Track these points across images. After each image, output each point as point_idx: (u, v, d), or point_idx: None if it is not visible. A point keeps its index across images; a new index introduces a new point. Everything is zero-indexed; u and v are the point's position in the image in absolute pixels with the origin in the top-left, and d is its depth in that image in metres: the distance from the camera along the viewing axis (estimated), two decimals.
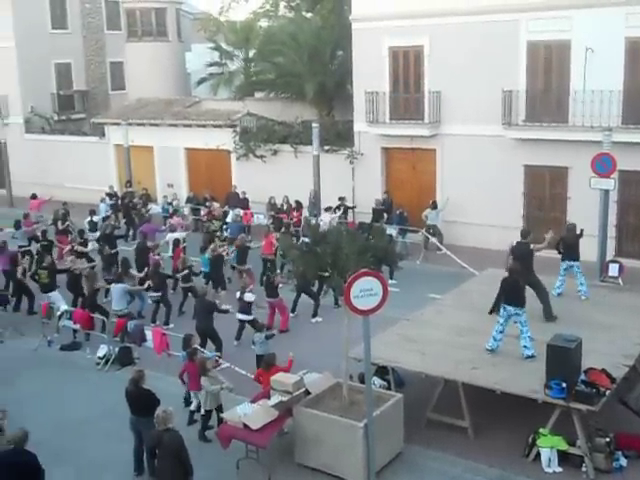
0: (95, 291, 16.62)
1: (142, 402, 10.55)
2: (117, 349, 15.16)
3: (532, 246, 14.17)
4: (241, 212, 23.69)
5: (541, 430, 10.82)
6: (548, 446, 10.66)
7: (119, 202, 26.11)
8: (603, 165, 17.37)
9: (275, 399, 10.95)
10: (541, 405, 10.77)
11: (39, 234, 21.27)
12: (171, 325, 16.59)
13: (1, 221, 23.53)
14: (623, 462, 10.63)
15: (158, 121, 29.07)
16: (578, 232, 15.17)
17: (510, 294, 12.25)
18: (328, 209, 22.34)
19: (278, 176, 25.69)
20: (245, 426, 10.66)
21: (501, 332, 12.23)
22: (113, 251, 19.87)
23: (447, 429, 11.64)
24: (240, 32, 34.67)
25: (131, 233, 24.27)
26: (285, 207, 23.78)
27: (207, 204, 24.68)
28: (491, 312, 12.78)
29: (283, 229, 20.63)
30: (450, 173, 22.79)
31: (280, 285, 16.19)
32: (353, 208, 23.91)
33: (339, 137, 25.33)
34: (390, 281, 16.26)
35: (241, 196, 25.26)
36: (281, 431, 11.39)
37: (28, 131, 33.86)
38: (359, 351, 10.93)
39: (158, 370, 13.70)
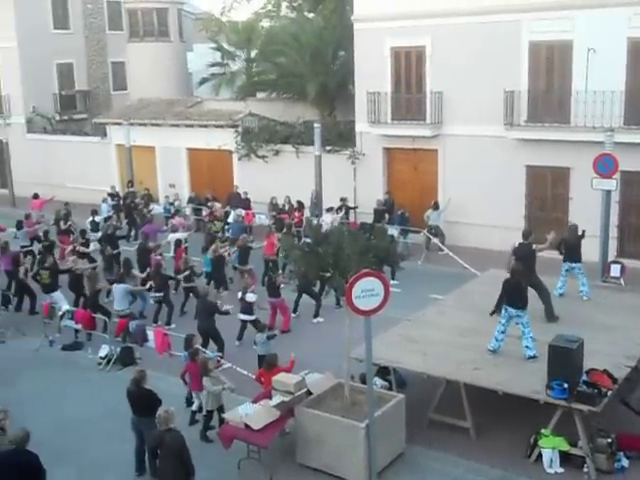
0: (97, 292, 16.63)
1: (144, 402, 10.55)
2: (119, 349, 15.16)
3: (534, 246, 14.16)
4: (243, 212, 23.69)
5: (543, 431, 10.81)
6: (550, 447, 10.66)
7: (121, 202, 26.12)
8: (605, 166, 17.36)
9: (277, 399, 10.96)
10: (543, 406, 10.77)
11: (41, 234, 21.28)
12: (173, 325, 16.60)
13: (3, 221, 23.54)
14: (625, 463, 10.62)
15: (160, 121, 29.08)
16: (580, 233, 15.15)
17: (512, 295, 12.24)
18: (330, 210, 22.34)
19: (280, 176, 25.69)
20: (247, 426, 10.66)
21: (503, 332, 12.23)
22: (115, 251, 19.89)
23: (449, 430, 11.63)
24: (242, 32, 34.68)
25: (133, 233, 24.28)
26: (287, 207, 23.78)
27: (209, 204, 24.69)
28: (492, 313, 12.77)
29: (285, 230, 20.62)
30: (452, 174, 22.78)
31: (282, 285, 16.21)
32: (355, 208, 23.91)
33: (341, 137, 25.33)
34: (392, 281, 16.28)
35: (243, 196, 25.25)
36: (283, 431, 11.39)
37: (30, 131, 33.90)
38: (361, 351, 10.93)
39: (160, 370, 13.70)
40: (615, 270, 17.22)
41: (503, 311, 12.32)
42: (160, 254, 18.66)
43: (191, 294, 17.50)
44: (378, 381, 12.43)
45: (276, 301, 16.39)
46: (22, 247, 20.74)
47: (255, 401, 11.33)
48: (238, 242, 19.36)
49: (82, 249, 19.70)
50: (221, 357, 14.22)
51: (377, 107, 23.21)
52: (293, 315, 17.14)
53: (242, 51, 34.90)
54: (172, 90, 34.24)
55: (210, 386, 11.56)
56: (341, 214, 22.41)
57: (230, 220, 23.16)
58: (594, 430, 10.78)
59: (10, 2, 32.76)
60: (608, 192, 17.64)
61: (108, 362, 15.03)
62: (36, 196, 25.90)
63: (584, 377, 10.73)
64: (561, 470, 10.60)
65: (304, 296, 17.07)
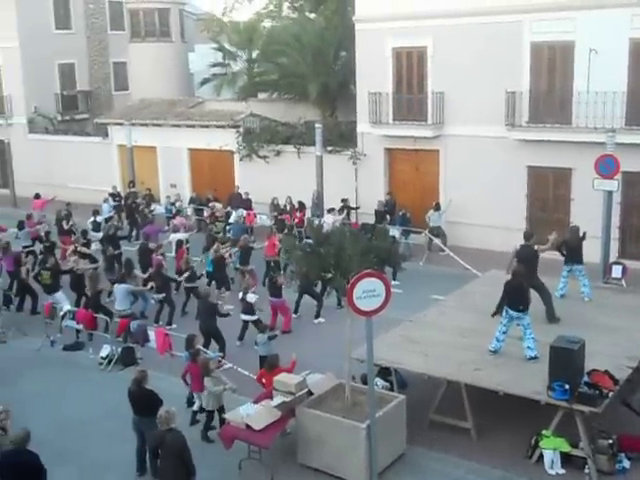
0: (98, 292, 16.63)
1: (145, 402, 10.56)
2: (120, 349, 15.17)
3: (536, 247, 14.16)
4: (244, 213, 23.70)
5: (544, 432, 10.81)
6: (551, 448, 10.65)
7: (122, 202, 26.14)
8: (606, 166, 17.33)
9: (278, 400, 10.96)
10: (544, 407, 10.77)
11: (42, 234, 21.28)
12: (174, 325, 16.60)
13: (4, 221, 23.55)
14: (626, 464, 10.61)
15: (161, 121, 29.10)
16: (581, 235, 15.14)
17: (513, 297, 12.22)
18: (331, 210, 22.34)
19: (281, 177, 25.69)
20: (248, 427, 10.67)
21: (504, 333, 12.22)
22: (116, 252, 19.91)
23: (450, 430, 11.63)
24: (243, 33, 34.69)
25: (134, 233, 24.29)
26: (288, 208, 23.78)
27: (210, 205, 24.70)
28: (494, 315, 12.76)
29: (286, 230, 20.62)
30: (453, 174, 22.78)
31: (286, 285, 16.16)
32: (356, 209, 23.91)
33: (342, 138, 25.33)
34: (393, 282, 16.29)
35: (244, 197, 25.25)
36: (284, 432, 11.38)
37: (31, 131, 33.92)
38: (362, 352, 10.93)
39: (161, 370, 13.69)
40: (616, 271, 17.23)
41: (504, 312, 12.31)
42: (162, 254, 18.66)
43: (192, 294, 17.50)
44: (379, 382, 12.42)
45: (277, 301, 16.38)
46: (24, 247, 20.75)
47: (256, 401, 11.33)
48: (239, 243, 19.36)
49: (83, 250, 19.70)
50: (222, 357, 14.22)
51: (378, 107, 23.21)
52: (294, 316, 17.13)
53: (243, 51, 34.90)
54: (173, 90, 34.26)
55: (211, 386, 11.56)
56: (342, 216, 22.41)
57: (231, 220, 23.17)
58: (595, 431, 10.77)
59: (12, 2, 32.78)
60: (610, 193, 17.63)
61: (109, 362, 15.03)
62: (38, 196, 25.93)
63: (585, 378, 10.73)
64: (562, 471, 10.59)
65: (305, 296, 17.06)
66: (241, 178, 27.24)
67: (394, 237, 18.70)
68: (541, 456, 10.74)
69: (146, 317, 17.06)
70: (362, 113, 23.85)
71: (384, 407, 10.74)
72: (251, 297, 15.50)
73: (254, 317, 15.48)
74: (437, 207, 22.15)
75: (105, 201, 25.91)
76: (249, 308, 15.53)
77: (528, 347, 11.96)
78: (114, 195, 26.76)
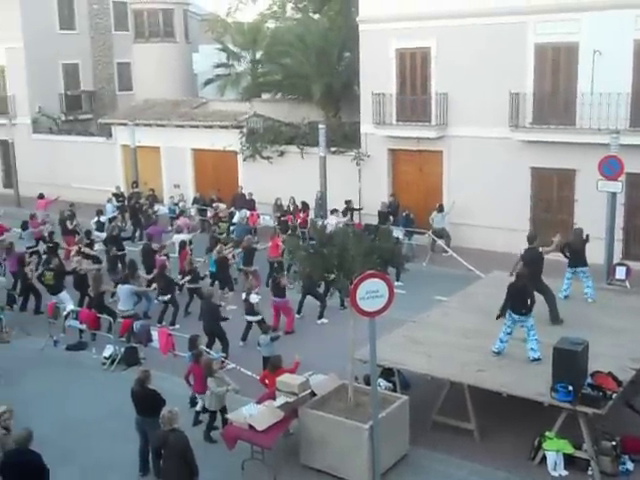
0: (101, 293, 16.63)
1: (148, 402, 10.56)
2: (123, 349, 15.18)
3: (540, 249, 14.14)
4: (247, 213, 23.70)
5: (547, 433, 10.79)
6: (554, 449, 10.64)
7: (125, 203, 26.15)
8: (610, 168, 17.33)
9: (281, 400, 10.96)
10: (547, 408, 10.75)
11: (46, 235, 21.31)
12: (177, 325, 16.61)
13: (8, 221, 23.59)
14: (629, 466, 10.59)
15: (165, 122, 29.14)
16: (584, 237, 15.10)
17: (517, 300, 12.19)
18: (334, 211, 22.33)
19: (284, 177, 25.70)
20: (250, 427, 10.66)
21: (508, 334, 12.21)
22: (120, 253, 19.93)
23: (453, 431, 11.62)
24: (247, 33, 34.72)
25: (137, 234, 24.30)
26: (291, 208, 23.78)
27: (213, 205, 24.70)
28: (499, 317, 12.75)
29: (290, 231, 20.61)
30: (457, 175, 22.76)
31: (290, 286, 16.15)
32: (360, 210, 23.90)
33: (346, 138, 25.32)
34: (396, 283, 16.25)
35: (247, 197, 25.27)
36: (286, 432, 11.39)
37: (35, 131, 33.99)
38: (365, 353, 10.93)
39: (164, 370, 13.70)
40: (620, 272, 17.17)
41: (508, 315, 12.29)
42: (166, 255, 18.67)
43: (195, 295, 17.50)
44: (382, 382, 12.41)
45: (280, 302, 16.38)
46: (27, 248, 20.73)
47: (259, 402, 11.33)
48: (243, 243, 19.35)
49: (87, 250, 19.71)
50: (225, 357, 14.22)
51: (382, 108, 23.20)
52: (297, 316, 17.13)
53: (247, 52, 34.93)
54: (177, 91, 34.28)
55: (215, 387, 11.56)
56: (347, 218, 22.38)
57: (235, 221, 23.17)
58: (599, 433, 10.75)
59: (16, 3, 32.88)
60: (613, 194, 17.61)
61: (112, 362, 15.05)
62: (41, 196, 25.98)
63: (589, 380, 10.71)
64: (565, 473, 10.57)
65: (309, 297, 17.05)
66: (245, 178, 27.26)
67: (397, 238, 18.70)
68: (544, 458, 10.72)
69: (149, 317, 17.08)
70: (366, 114, 23.84)
71: (387, 408, 10.73)
72: (254, 298, 15.50)
73: (258, 318, 15.48)
74: (440, 209, 22.12)
75: (109, 201, 25.95)
76: (252, 309, 15.54)
77: (531, 348, 11.94)
78: (117, 195, 26.80)
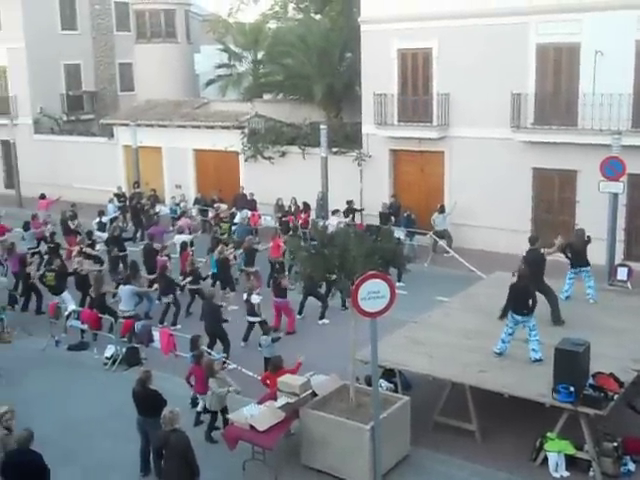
0: (102, 294, 16.63)
1: (149, 402, 10.56)
2: (124, 349, 15.18)
3: (542, 250, 14.13)
4: (249, 214, 23.70)
5: (548, 434, 10.78)
6: (555, 450, 10.63)
7: (127, 203, 26.16)
8: (612, 169, 17.32)
9: (282, 400, 10.96)
10: (549, 409, 10.75)
11: (48, 235, 21.31)
12: (178, 326, 16.61)
13: (10, 221, 23.59)
14: (631, 467, 10.59)
15: (167, 122, 29.15)
16: (586, 238, 15.09)
17: (519, 301, 12.18)
18: (336, 212, 22.33)
19: (286, 178, 25.70)
20: (252, 427, 10.66)
21: (510, 335, 12.19)
22: (122, 253, 19.93)
23: (454, 432, 11.61)
24: (249, 34, 34.70)
25: (139, 234, 24.30)
26: (293, 209, 23.77)
27: (215, 206, 24.69)
28: (501, 318, 12.75)
29: (291, 232, 20.61)
30: (458, 176, 22.74)
31: (291, 287, 16.14)
32: (361, 210, 23.90)
33: (347, 139, 25.32)
34: (398, 283, 16.24)
35: (249, 198, 25.27)
36: (287, 433, 11.38)
37: (37, 132, 34.03)
38: (366, 353, 10.92)
39: (165, 371, 13.71)
40: (622, 273, 17.17)
41: (509, 316, 12.28)
42: (167, 255, 18.67)
43: (196, 295, 17.50)
44: (383, 383, 12.40)
45: (281, 302, 16.38)
46: (29, 249, 20.69)
47: (260, 402, 11.33)
48: (244, 244, 19.36)
49: (89, 250, 19.72)
50: (226, 358, 14.22)
51: (384, 109, 23.20)
52: (298, 317, 17.13)
53: (249, 52, 34.91)
54: (179, 91, 34.30)
55: (216, 388, 11.56)
56: (348, 219, 22.37)
57: (236, 221, 23.17)
58: (600, 434, 10.74)
59: (18, 3, 32.92)
60: (615, 195, 17.61)
61: (114, 362, 15.05)
62: (43, 196, 25.98)
63: (590, 380, 10.70)
64: (567, 474, 10.56)
65: (310, 298, 17.05)
66: (246, 179, 27.27)
67: (399, 238, 18.70)
68: (546, 459, 10.72)
69: (151, 318, 17.08)
70: (367, 114, 23.84)
71: (388, 409, 10.72)
72: (255, 298, 15.51)
73: (259, 318, 15.47)
74: (442, 210, 22.10)
75: (110, 201, 25.95)
76: (254, 309, 15.53)
77: (533, 349, 11.94)
78: (119, 196, 26.80)
